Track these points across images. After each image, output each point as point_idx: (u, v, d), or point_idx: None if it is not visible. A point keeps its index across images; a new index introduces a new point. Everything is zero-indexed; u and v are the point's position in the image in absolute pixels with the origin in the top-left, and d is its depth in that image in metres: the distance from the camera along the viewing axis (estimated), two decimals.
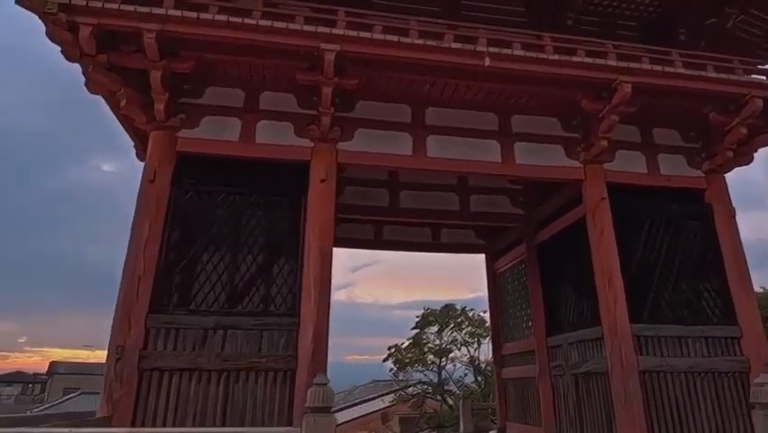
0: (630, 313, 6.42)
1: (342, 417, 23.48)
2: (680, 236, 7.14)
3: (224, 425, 5.31)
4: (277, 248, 6.10)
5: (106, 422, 5.00)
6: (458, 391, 15.25)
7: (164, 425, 5.23)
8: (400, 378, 17.19)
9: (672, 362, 6.47)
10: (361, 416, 22.75)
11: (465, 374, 16.34)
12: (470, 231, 10.80)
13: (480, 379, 15.71)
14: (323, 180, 6.22)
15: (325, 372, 8.60)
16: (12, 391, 43.94)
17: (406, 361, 16.57)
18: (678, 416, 6.28)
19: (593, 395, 6.93)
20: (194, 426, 5.27)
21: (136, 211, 5.84)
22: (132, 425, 5.15)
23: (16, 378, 48.61)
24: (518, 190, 9.25)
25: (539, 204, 8.76)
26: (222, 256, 5.96)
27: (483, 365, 15.68)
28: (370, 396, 21.70)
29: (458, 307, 17.03)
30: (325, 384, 3.71)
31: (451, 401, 15.52)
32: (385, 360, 17.12)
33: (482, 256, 10.99)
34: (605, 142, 6.79)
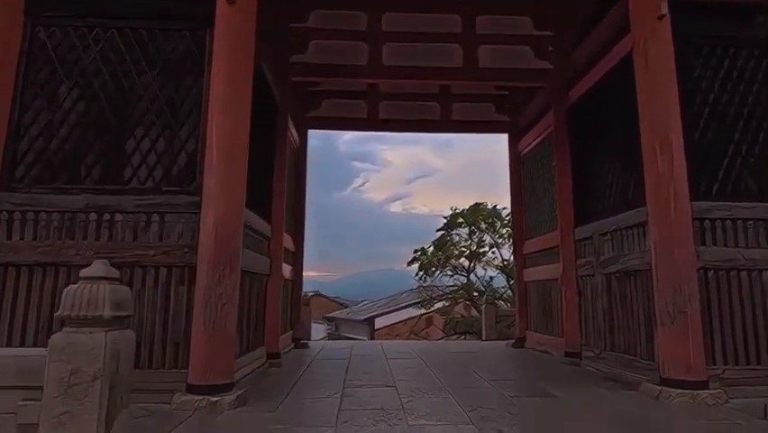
0: (690, 187, 4.35)
1: (384, 321, 23.31)
2: None
3: None
4: (171, 103, 4.40)
5: None
6: (487, 294, 13.68)
7: (23, 337, 3.98)
8: (427, 283, 15.83)
9: (750, 254, 4.46)
10: (400, 321, 22.33)
11: (492, 278, 14.74)
12: (489, 104, 8.59)
13: (511, 283, 14.09)
14: (232, 2, 4.30)
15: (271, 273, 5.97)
16: None
17: (433, 265, 15.13)
18: (754, 332, 4.37)
19: (629, 301, 5.07)
20: None
21: None
22: None
23: None
24: (546, 37, 6.85)
25: (572, 51, 6.41)
26: (97, 115, 4.35)
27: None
28: (403, 304, 20.91)
29: (488, 206, 15.06)
30: (101, 279, 2.09)
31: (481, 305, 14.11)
32: (410, 263, 15.75)
33: None
34: None
